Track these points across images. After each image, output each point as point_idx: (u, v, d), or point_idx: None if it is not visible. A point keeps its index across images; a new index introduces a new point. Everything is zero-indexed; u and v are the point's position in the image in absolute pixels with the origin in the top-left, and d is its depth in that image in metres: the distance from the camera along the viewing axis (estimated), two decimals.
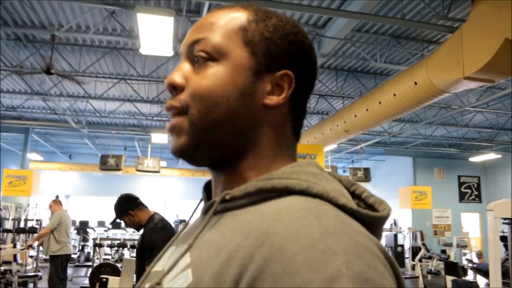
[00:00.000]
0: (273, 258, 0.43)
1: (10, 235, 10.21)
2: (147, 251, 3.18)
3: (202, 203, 0.68)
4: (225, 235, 0.52)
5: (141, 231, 3.50)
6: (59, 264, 6.83)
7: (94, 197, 20.51)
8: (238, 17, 0.62)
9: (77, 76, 9.25)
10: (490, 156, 14.93)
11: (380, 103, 7.33)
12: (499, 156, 15.11)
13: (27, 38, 8.32)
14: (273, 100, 0.61)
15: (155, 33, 5.84)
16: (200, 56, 0.60)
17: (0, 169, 18.35)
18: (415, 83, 6.29)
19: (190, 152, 0.61)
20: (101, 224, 15.90)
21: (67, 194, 20.53)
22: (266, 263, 0.44)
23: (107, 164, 13.70)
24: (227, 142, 0.60)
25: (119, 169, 13.81)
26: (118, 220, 3.59)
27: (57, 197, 7.70)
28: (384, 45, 7.93)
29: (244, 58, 0.60)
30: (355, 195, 0.56)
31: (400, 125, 13.17)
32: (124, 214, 3.45)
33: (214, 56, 0.60)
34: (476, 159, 15.65)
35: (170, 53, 6.52)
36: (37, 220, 13.48)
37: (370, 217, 0.52)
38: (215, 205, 0.57)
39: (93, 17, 7.27)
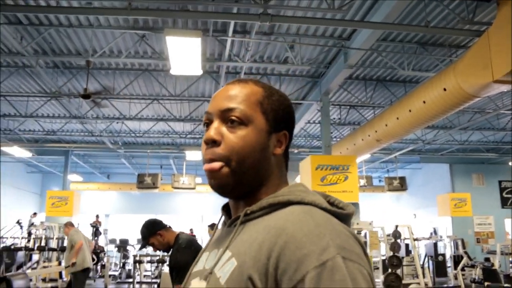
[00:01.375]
0: (289, 241, 0.72)
1: (55, 254, 10.57)
2: (174, 271, 3.25)
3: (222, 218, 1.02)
4: (252, 235, 0.80)
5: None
6: (82, 279, 7.13)
7: (133, 215, 20.92)
8: (255, 93, 0.91)
9: (111, 98, 9.61)
10: None
11: (410, 111, 7.28)
12: None
13: (64, 65, 8.71)
14: (278, 151, 0.92)
15: (184, 54, 6.03)
16: (235, 120, 0.87)
17: (43, 191, 19.06)
18: (444, 89, 6.24)
19: (229, 189, 0.88)
20: (140, 241, 16.18)
21: (107, 213, 21.03)
22: (285, 244, 0.72)
23: (144, 182, 14.03)
24: (253, 180, 0.88)
25: (156, 187, 14.11)
26: (146, 246, 3.60)
27: (69, 223, 7.99)
28: (411, 53, 7.91)
29: (263, 124, 0.89)
30: (330, 203, 0.86)
31: (434, 132, 12.97)
32: (153, 235, 3.48)
33: (245, 121, 0.87)
34: None
35: (199, 72, 6.71)
36: None
37: (342, 214, 0.83)
38: (241, 218, 0.86)
39: (124, 41, 7.58)
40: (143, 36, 7.34)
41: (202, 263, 0.91)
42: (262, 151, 0.88)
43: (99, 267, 14.04)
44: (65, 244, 12.08)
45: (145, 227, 3.52)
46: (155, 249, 3.58)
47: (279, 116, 0.92)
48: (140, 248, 3.87)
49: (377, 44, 7.60)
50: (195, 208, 20.86)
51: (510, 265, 12.85)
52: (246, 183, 0.87)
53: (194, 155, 13.61)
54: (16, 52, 7.75)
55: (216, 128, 0.88)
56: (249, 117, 0.87)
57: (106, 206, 20.98)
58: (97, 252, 13.73)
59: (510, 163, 15.29)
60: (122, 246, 15.00)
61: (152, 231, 3.49)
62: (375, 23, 6.13)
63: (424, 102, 6.84)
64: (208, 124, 0.91)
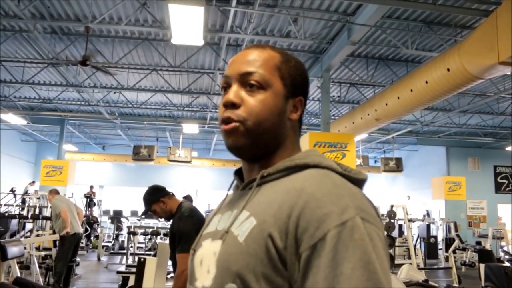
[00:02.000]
0: (309, 200, 0.74)
1: (48, 222, 10.54)
2: (176, 239, 3.19)
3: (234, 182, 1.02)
4: (270, 195, 0.82)
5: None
6: (68, 244, 7.06)
7: (127, 187, 20.94)
8: (272, 58, 0.92)
9: (110, 67, 9.46)
10: None
11: (411, 90, 7.22)
12: None
13: (62, 31, 8.54)
14: (294, 116, 0.93)
15: (186, 23, 5.90)
16: (254, 84, 0.88)
17: (38, 160, 18.97)
18: (448, 70, 6.16)
19: (245, 150, 0.89)
20: (134, 213, 16.20)
21: (101, 184, 21.03)
22: (305, 203, 0.74)
23: (139, 154, 13.98)
24: (269, 143, 0.90)
25: (152, 160, 14.06)
26: (149, 212, 3.54)
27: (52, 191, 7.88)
28: (415, 32, 7.80)
29: (281, 88, 0.91)
30: (343, 169, 0.85)
31: (433, 114, 12.93)
32: (156, 202, 3.42)
33: (264, 85, 0.89)
34: None
35: (201, 42, 6.58)
36: None
37: (357, 179, 0.84)
38: (257, 179, 0.87)
39: (125, 8, 7.41)
40: (144, 4, 7.17)
41: (214, 224, 0.92)
42: (279, 115, 0.90)
43: (92, 238, 14.10)
44: None
45: (148, 193, 3.46)
46: (157, 216, 3.52)
47: (296, 81, 0.93)
48: (142, 214, 3.84)
49: (382, 21, 7.48)
50: (190, 182, 20.90)
51: (500, 249, 13.02)
52: (262, 145, 0.89)
53: (191, 128, 13.54)
54: (13, 15, 7.56)
55: (236, 92, 0.89)
56: (268, 82, 0.89)
57: (101, 177, 20.94)
58: (91, 222, 13.78)
59: (507, 148, 15.31)
60: (116, 217, 15.01)
61: (155, 197, 3.43)
62: None
63: (426, 82, 6.77)
64: (226, 88, 0.92)
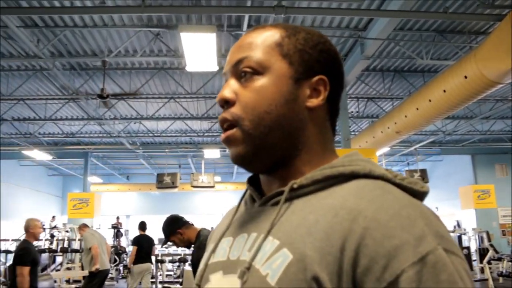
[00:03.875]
0: (370, 226, 0.54)
1: (77, 255, 10.67)
2: (195, 269, 3.21)
3: (247, 193, 0.78)
4: (307, 217, 0.61)
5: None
6: (97, 280, 7.11)
7: (153, 215, 21.02)
8: (272, 34, 0.71)
9: (128, 98, 9.63)
10: None
11: (430, 101, 7.13)
12: None
13: (80, 66, 8.77)
14: (313, 102, 0.69)
15: (199, 50, 6.00)
16: (247, 71, 0.69)
17: (64, 193, 19.29)
18: (465, 77, 6.08)
19: (249, 158, 0.69)
20: (161, 241, 16.28)
21: (127, 214, 21.22)
22: (366, 231, 0.54)
23: (163, 182, 14.08)
24: (281, 144, 0.68)
25: (175, 187, 14.15)
26: (168, 242, 3.62)
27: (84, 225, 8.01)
28: (429, 42, 7.74)
29: (284, 69, 0.68)
30: (399, 179, 0.64)
31: (455, 122, 12.73)
32: (173, 234, 3.48)
33: (259, 70, 0.68)
34: None
35: (215, 68, 6.67)
36: None
37: (420, 192, 0.63)
38: (285, 193, 0.65)
39: (139, 40, 7.58)
40: (158, 34, 7.32)
41: (224, 251, 0.70)
42: (287, 103, 0.67)
43: (121, 268, 14.15)
44: None
45: (165, 225, 3.53)
46: (177, 246, 3.58)
47: (310, 57, 0.70)
48: (162, 245, 3.91)
49: (394, 33, 7.46)
50: (214, 207, 20.90)
51: None
52: (270, 148, 0.68)
53: (213, 153, 13.60)
54: (33, 55, 7.80)
55: (230, 86, 0.70)
56: (263, 64, 0.68)
57: (126, 207, 21.17)
58: (119, 253, 13.84)
59: None
60: None
61: (173, 228, 3.50)
62: (391, 11, 6.01)
63: (444, 91, 6.69)
64: None
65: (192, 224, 3.60)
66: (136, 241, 8.06)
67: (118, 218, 17.16)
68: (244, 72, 0.69)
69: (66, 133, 13.39)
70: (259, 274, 0.59)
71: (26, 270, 4.82)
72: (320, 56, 0.70)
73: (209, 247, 0.76)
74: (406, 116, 8.04)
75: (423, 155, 17.48)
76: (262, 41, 0.70)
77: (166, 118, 12.04)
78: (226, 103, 0.69)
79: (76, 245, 12.78)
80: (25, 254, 4.88)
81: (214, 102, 10.81)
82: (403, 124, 8.30)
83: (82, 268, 8.36)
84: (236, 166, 15.32)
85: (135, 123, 12.56)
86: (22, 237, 5.07)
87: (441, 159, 17.76)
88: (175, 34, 7.02)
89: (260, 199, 0.72)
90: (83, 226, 7.80)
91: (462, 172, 16.69)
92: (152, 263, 8.19)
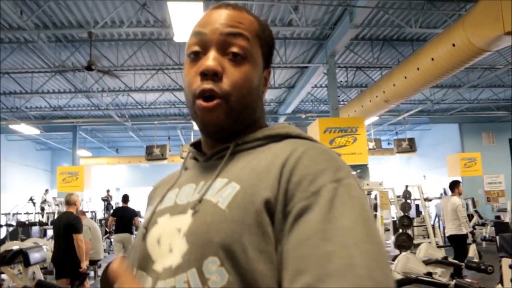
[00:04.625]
0: (302, 156, 0.68)
1: None
2: None
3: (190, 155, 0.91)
4: (251, 161, 0.74)
5: None
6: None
7: (143, 187, 21.08)
8: (253, 22, 0.82)
9: (116, 70, 9.52)
10: None
11: (418, 69, 7.17)
12: None
13: (66, 38, 8.62)
14: (264, 89, 0.86)
15: (187, 20, 5.92)
16: (239, 54, 0.77)
17: (53, 167, 19.21)
18: (453, 45, 6.10)
19: (226, 129, 0.79)
20: None
21: (117, 187, 21.23)
22: (299, 159, 0.68)
23: (152, 154, 14.03)
24: (248, 120, 0.81)
25: (165, 159, 14.12)
26: None
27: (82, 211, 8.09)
28: (418, 9, 7.71)
29: (260, 59, 0.82)
30: None
31: (443, 91, 12.81)
32: None
33: (247, 55, 0.78)
34: None
35: None
36: (91, 212, 14.04)
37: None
38: (231, 147, 0.78)
39: (125, 10, 7.45)
40: (144, 4, 7.21)
41: (171, 200, 0.78)
42: (258, 88, 0.82)
43: (112, 240, 14.26)
44: None
45: None
46: None
47: (269, 51, 0.85)
48: None
49: (383, 1, 7.42)
50: None
51: None
52: (240, 124, 0.80)
53: None
54: (17, 27, 7.65)
55: (217, 59, 0.76)
56: (250, 51, 0.78)
57: (116, 180, 21.17)
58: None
59: None
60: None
61: None
62: None
63: (432, 59, 6.72)
64: (198, 53, 0.78)
65: None
66: (113, 213, 9.20)
67: (108, 191, 17.18)
68: (235, 53, 0.77)
69: (53, 106, 13.24)
70: (210, 202, 0.69)
71: (81, 236, 5.42)
72: (271, 51, 0.86)
73: (155, 200, 0.83)
74: (394, 85, 8.08)
75: (411, 124, 17.62)
76: (249, 26, 0.80)
77: (154, 90, 11.96)
78: (214, 75, 0.75)
79: None
80: (79, 222, 5.45)
81: None
82: (391, 93, 8.35)
83: None
84: None
85: (123, 95, 12.45)
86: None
87: (429, 128, 17.92)
88: (162, 4, 6.90)
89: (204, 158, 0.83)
90: (81, 214, 7.51)
91: (449, 141, 16.89)
92: (132, 233, 8.73)
